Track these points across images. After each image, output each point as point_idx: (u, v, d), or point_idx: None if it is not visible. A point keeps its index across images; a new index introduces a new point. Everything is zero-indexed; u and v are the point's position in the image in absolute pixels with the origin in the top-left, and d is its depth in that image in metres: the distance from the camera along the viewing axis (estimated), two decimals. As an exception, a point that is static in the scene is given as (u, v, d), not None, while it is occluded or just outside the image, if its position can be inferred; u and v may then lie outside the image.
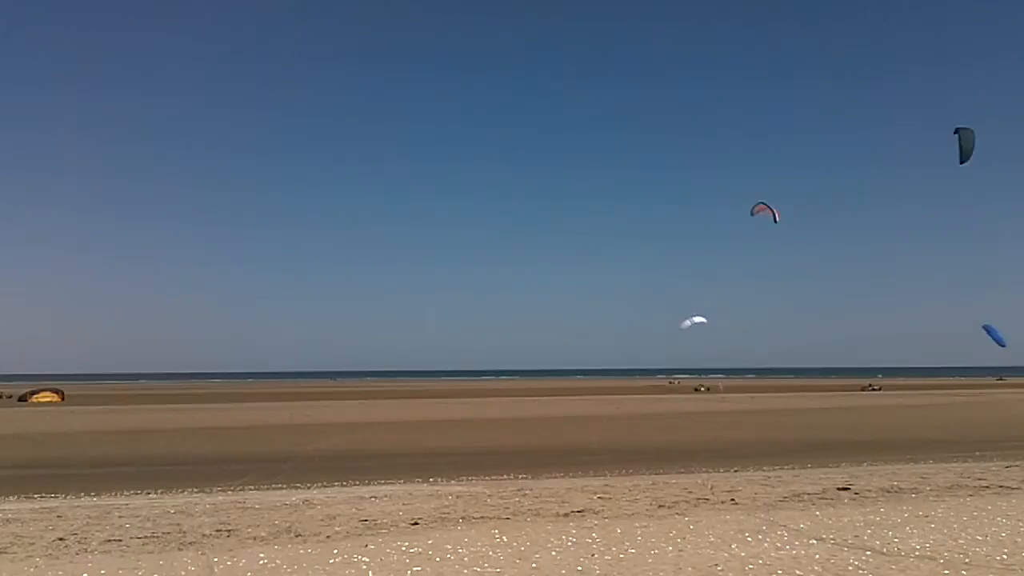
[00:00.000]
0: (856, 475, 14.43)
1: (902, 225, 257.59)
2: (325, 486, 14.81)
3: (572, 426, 30.58)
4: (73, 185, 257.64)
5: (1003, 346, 31.60)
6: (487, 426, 30.80)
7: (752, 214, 26.80)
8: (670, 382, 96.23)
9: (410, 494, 12.83)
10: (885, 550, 8.08)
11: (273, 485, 15.29)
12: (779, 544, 8.41)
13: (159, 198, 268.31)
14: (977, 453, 19.28)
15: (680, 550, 8.19)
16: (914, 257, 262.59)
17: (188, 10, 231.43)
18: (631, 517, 10.19)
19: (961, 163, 19.61)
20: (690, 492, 12.32)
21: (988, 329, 31.68)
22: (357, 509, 11.19)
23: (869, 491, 12.20)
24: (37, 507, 12.15)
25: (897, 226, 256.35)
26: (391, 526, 9.86)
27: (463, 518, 10.34)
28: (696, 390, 69.47)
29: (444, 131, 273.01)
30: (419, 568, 7.60)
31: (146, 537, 9.37)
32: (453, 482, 15.00)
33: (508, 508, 11.07)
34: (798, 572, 7.26)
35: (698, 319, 37.92)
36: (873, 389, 67.49)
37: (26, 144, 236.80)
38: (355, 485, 14.95)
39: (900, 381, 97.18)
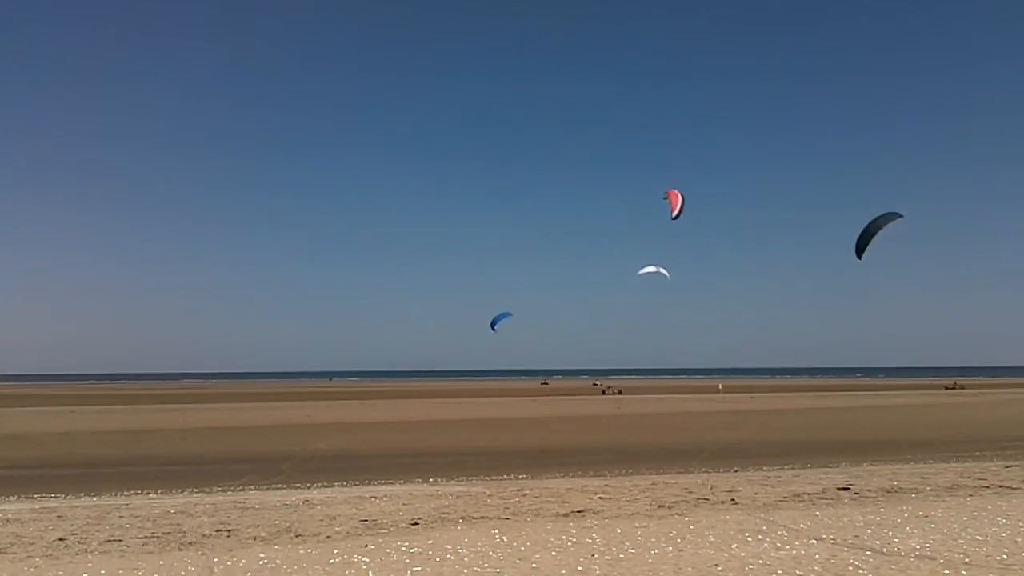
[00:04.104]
0: (856, 475, 14.43)
1: (902, 226, 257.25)
2: (325, 486, 14.81)
3: (572, 426, 30.57)
4: (73, 185, 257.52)
5: (493, 328, 33.32)
6: (487, 426, 30.79)
7: (666, 197, 24.38)
8: (594, 383, 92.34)
9: (410, 494, 12.83)
10: (885, 550, 8.08)
11: (273, 485, 15.29)
12: (779, 544, 8.41)
13: (160, 198, 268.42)
14: (977, 453, 19.28)
15: (680, 550, 8.19)
16: (914, 257, 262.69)
17: (188, 11, 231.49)
18: (631, 517, 10.19)
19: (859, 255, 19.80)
20: (690, 492, 12.32)
21: (498, 319, 33.19)
22: (357, 509, 11.19)
23: (869, 491, 12.20)
24: (37, 507, 12.15)
25: (897, 226, 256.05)
26: (391, 526, 9.86)
27: (463, 518, 10.34)
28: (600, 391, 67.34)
29: (444, 131, 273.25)
30: (419, 568, 7.60)
31: (146, 537, 9.37)
32: (453, 482, 15.00)
33: (508, 508, 11.07)
34: (798, 572, 7.26)
35: (652, 268, 36.11)
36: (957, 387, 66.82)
37: (26, 144, 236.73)
38: (355, 485, 14.95)
39: (900, 381, 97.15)
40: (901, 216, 19.67)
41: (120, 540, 9.21)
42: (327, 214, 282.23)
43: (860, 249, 19.73)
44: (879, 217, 19.67)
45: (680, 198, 23.93)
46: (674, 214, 23.77)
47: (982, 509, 10.37)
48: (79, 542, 9.12)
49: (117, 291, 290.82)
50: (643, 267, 34.09)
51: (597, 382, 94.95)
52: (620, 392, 64.48)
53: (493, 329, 35.65)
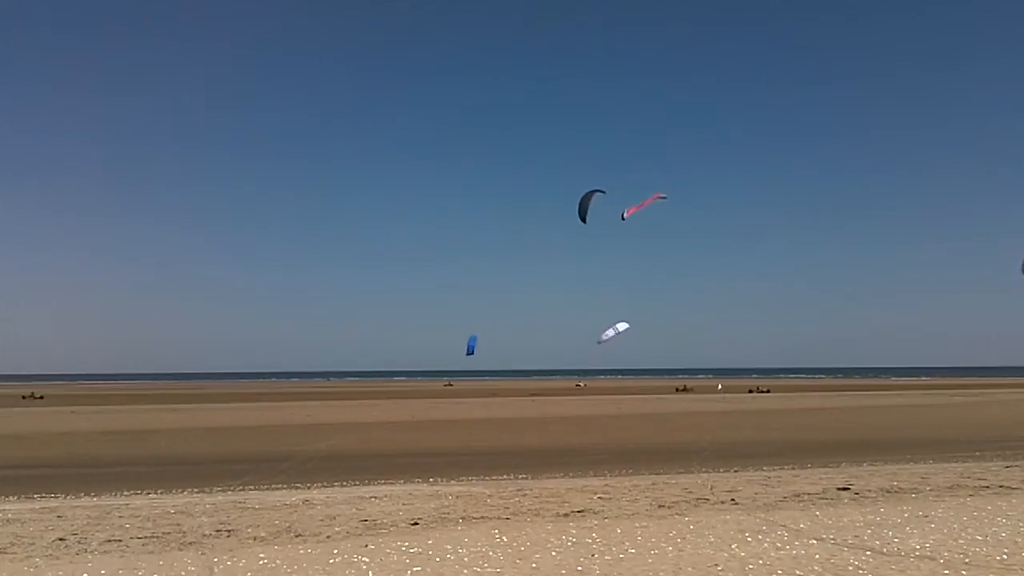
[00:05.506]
0: (856, 475, 14.43)
1: (902, 226, 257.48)
2: (325, 486, 14.82)
3: (572, 426, 30.58)
4: (74, 186, 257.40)
5: (470, 353, 34.60)
6: (487, 426, 30.80)
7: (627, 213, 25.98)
8: (577, 384, 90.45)
9: (410, 494, 12.83)
10: (885, 550, 8.08)
11: (273, 485, 15.29)
12: (779, 544, 8.42)
13: (159, 198, 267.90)
14: (977, 453, 19.28)
15: (680, 550, 8.19)
16: (914, 257, 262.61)
17: (187, 10, 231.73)
18: (631, 517, 10.20)
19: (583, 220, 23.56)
20: (690, 492, 12.32)
21: (472, 341, 34.33)
22: (357, 509, 11.20)
23: (869, 491, 12.20)
24: (37, 507, 12.16)
25: (897, 227, 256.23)
26: (391, 526, 9.87)
27: (463, 518, 10.35)
28: (678, 390, 68.11)
29: (444, 131, 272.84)
30: (419, 568, 7.61)
31: (146, 537, 9.38)
32: (453, 482, 15.00)
33: (508, 508, 11.07)
34: (798, 572, 7.26)
35: (621, 326, 35.61)
36: (761, 391, 64.27)
37: (27, 145, 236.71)
38: (355, 485, 14.95)
39: (900, 381, 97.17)
40: (602, 192, 23.75)
41: (120, 540, 9.21)
42: (327, 214, 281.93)
43: (582, 218, 23.84)
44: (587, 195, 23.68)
45: (644, 204, 25.27)
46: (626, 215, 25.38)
47: (982, 509, 10.37)
48: (79, 542, 9.13)
49: (117, 291, 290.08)
50: (604, 334, 33.86)
51: (580, 383, 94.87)
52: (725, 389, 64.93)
53: (471, 353, 36.13)
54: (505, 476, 15.93)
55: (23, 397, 60.53)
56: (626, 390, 70.49)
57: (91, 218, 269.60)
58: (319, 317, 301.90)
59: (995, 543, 8.30)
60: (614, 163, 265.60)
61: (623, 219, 25.10)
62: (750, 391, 64.58)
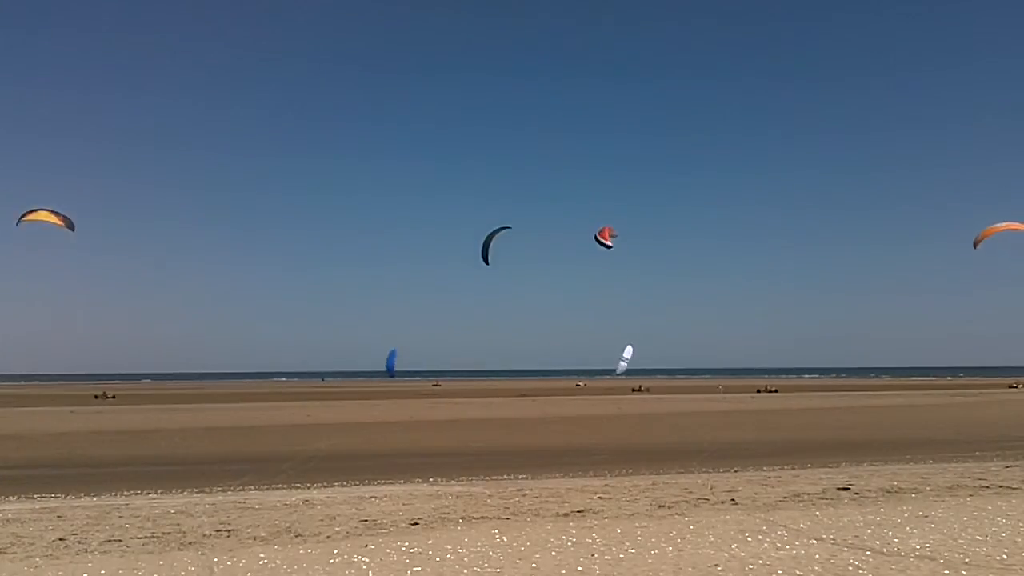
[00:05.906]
0: (856, 475, 14.43)
1: (902, 226, 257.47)
2: (325, 486, 14.82)
3: (572, 426, 30.57)
4: (74, 186, 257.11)
5: (391, 374, 35.40)
6: (487, 426, 30.80)
7: (606, 241, 26.96)
8: (577, 384, 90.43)
9: (410, 494, 12.83)
10: (885, 550, 8.08)
11: (273, 485, 15.29)
12: (779, 544, 8.42)
13: (159, 198, 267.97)
14: (977, 453, 19.28)
15: (680, 550, 8.19)
16: (914, 257, 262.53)
17: (187, 10, 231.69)
18: (631, 517, 10.20)
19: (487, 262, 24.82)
20: (690, 492, 12.32)
21: (391, 356, 35.11)
22: (357, 509, 11.20)
23: (869, 491, 12.20)
24: (37, 507, 12.15)
25: (897, 227, 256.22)
26: (391, 526, 9.87)
27: (463, 518, 10.35)
28: (633, 391, 67.83)
29: (443, 131, 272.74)
30: (419, 568, 7.61)
31: (146, 537, 9.38)
32: (453, 482, 15.00)
33: (508, 508, 11.07)
34: (798, 572, 7.26)
35: (628, 352, 36.19)
36: (769, 391, 63.90)
37: (26, 145, 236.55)
38: (355, 485, 14.95)
39: (900, 381, 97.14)
40: (509, 228, 25.41)
41: (120, 540, 9.21)
42: (326, 213, 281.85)
43: (484, 258, 25.16)
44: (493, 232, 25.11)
45: (608, 233, 26.32)
46: (609, 243, 26.43)
47: (982, 509, 10.37)
48: (79, 542, 9.13)
49: (117, 291, 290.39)
50: (620, 365, 34.86)
51: (580, 383, 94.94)
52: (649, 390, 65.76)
53: (391, 371, 37.11)
54: (505, 476, 15.93)
55: (95, 396, 60.26)
56: (626, 390, 70.44)
57: (91, 218, 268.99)
58: (319, 317, 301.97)
59: (995, 543, 8.30)
60: (614, 163, 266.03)
61: (609, 247, 25.83)
62: (758, 391, 64.60)
